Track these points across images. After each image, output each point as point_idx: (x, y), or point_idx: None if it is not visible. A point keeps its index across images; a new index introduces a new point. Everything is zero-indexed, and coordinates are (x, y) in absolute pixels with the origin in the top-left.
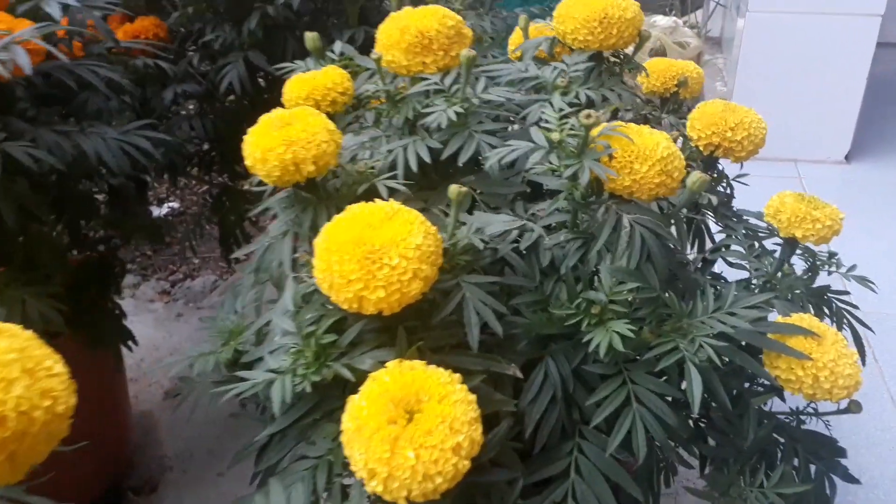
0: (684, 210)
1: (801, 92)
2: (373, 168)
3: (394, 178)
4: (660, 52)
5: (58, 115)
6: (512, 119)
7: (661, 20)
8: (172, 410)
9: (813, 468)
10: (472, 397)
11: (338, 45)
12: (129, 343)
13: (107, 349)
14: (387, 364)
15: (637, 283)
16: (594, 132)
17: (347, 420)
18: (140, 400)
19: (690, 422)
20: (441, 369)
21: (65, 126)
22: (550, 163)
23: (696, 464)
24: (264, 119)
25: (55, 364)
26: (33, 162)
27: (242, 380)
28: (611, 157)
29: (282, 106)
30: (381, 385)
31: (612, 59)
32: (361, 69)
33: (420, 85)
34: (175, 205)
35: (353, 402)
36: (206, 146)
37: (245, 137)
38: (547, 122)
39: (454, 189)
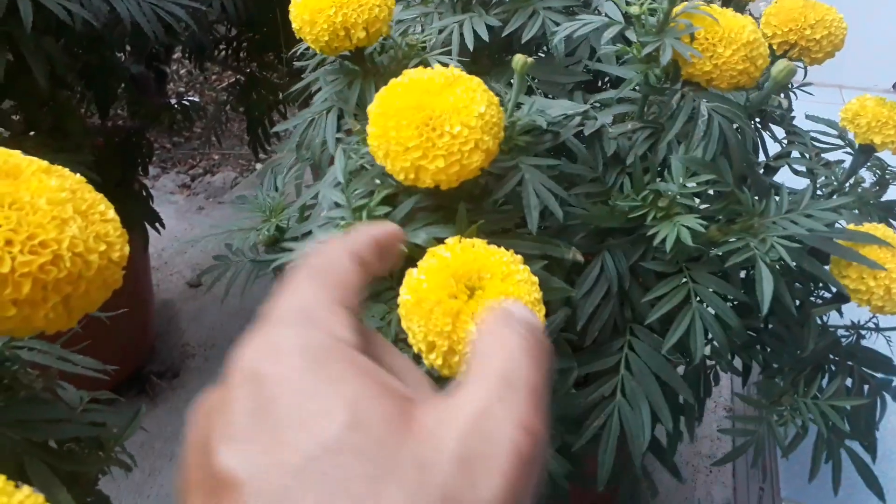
0: (762, 105)
1: (851, 16)
2: (424, 43)
3: (447, 55)
4: None
5: None
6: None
7: None
8: (207, 290)
9: (866, 386)
10: (535, 279)
11: None
12: (156, 227)
13: (133, 230)
14: (446, 240)
15: (711, 175)
16: (676, 8)
17: (406, 292)
18: (161, 289)
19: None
20: (503, 249)
21: None
22: (626, 42)
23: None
24: None
25: (108, 209)
26: (67, 16)
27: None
28: (692, 37)
29: None
30: (442, 260)
31: None
32: None
33: None
34: (195, 99)
35: (412, 275)
36: (233, 31)
37: (293, 0)
38: None
39: (519, 58)
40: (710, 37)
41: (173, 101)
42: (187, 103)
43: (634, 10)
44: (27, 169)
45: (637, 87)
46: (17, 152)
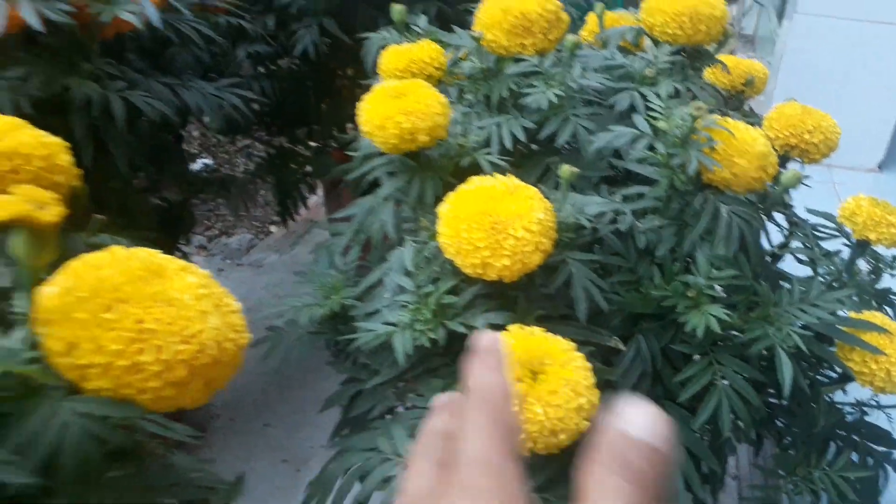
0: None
1: (840, 97)
2: (469, 143)
3: (489, 153)
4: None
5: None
6: (598, 104)
7: None
8: (262, 358)
9: (870, 458)
10: (589, 365)
11: (422, 20)
12: None
13: None
14: (507, 327)
15: (734, 270)
16: (698, 124)
17: None
18: None
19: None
20: (559, 337)
21: (166, 78)
22: (655, 151)
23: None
24: (379, 89)
25: (232, 301)
26: (153, 111)
27: (338, 329)
28: (712, 148)
29: (346, 74)
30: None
31: (694, 53)
32: (443, 44)
33: (517, 66)
34: (208, 161)
35: None
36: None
37: (361, 105)
38: (651, 111)
39: (566, 169)
40: (728, 148)
41: (197, 167)
42: (202, 169)
43: (662, 125)
44: (169, 267)
45: (666, 189)
46: (158, 252)
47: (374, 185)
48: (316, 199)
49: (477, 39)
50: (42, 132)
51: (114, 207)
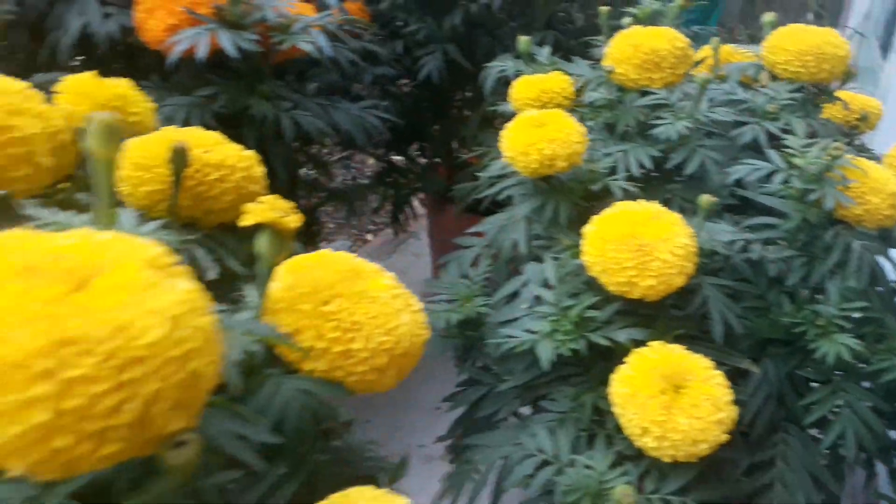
0: None
1: None
2: (598, 168)
3: (616, 179)
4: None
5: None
6: (722, 136)
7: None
8: None
9: None
10: (728, 382)
11: (544, 51)
12: None
13: None
14: (646, 342)
15: (865, 303)
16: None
17: (620, 385)
18: None
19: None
20: (700, 355)
21: (318, 98)
22: (790, 185)
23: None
24: (521, 118)
25: (416, 301)
26: (315, 129)
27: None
28: (846, 186)
29: (458, 98)
30: (649, 361)
31: (812, 89)
32: (567, 74)
33: (647, 98)
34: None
35: (625, 371)
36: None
37: (504, 133)
38: (790, 147)
39: (705, 198)
40: (861, 186)
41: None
42: (345, 188)
43: (799, 161)
44: (365, 269)
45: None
46: (352, 256)
47: (498, 203)
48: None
49: (607, 73)
50: (239, 146)
51: None
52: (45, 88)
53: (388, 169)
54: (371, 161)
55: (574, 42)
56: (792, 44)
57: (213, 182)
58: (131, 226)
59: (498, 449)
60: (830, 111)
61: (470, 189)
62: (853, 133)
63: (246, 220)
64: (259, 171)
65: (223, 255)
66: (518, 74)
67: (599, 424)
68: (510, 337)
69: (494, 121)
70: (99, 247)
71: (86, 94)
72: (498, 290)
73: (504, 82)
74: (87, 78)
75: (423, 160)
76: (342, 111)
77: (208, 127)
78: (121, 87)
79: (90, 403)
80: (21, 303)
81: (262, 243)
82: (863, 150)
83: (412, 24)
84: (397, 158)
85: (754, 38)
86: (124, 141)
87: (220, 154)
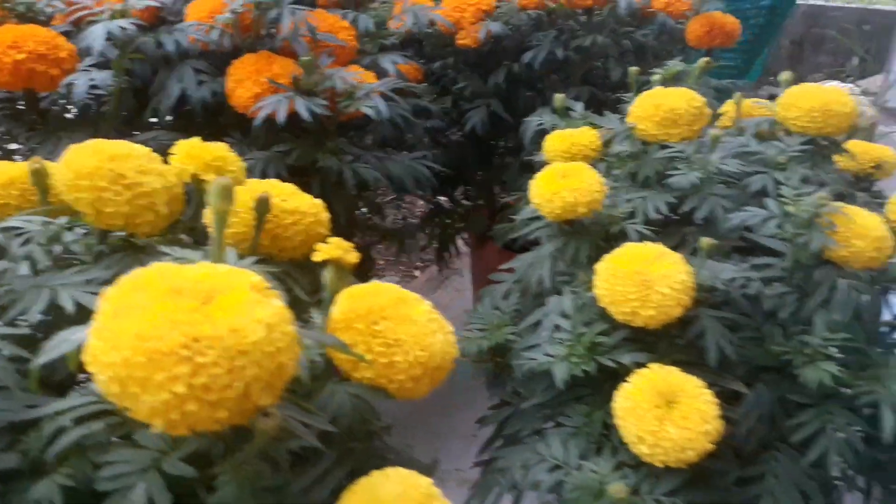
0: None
1: None
2: (619, 213)
3: (635, 223)
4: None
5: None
6: (734, 185)
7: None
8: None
9: None
10: (716, 400)
11: (578, 106)
12: None
13: None
14: (648, 364)
15: (848, 334)
16: (822, 210)
17: (622, 400)
18: None
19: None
20: (693, 376)
21: (377, 152)
22: (783, 230)
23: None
24: (549, 169)
25: (448, 325)
26: (373, 179)
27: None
28: (833, 231)
29: (500, 147)
30: (648, 380)
31: (823, 142)
32: (597, 127)
33: (665, 151)
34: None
35: (627, 388)
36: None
37: (533, 182)
38: (781, 195)
39: (706, 241)
40: (847, 231)
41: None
42: (400, 226)
43: (791, 209)
44: (410, 297)
45: (792, 262)
46: (398, 286)
47: (532, 242)
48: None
49: (631, 129)
50: (310, 196)
51: None
52: (147, 145)
53: (435, 210)
54: (420, 202)
55: (609, 95)
56: (803, 101)
57: (288, 225)
58: (234, 261)
59: (518, 457)
60: (846, 162)
61: (507, 230)
62: (869, 179)
63: (317, 257)
64: (325, 216)
65: (292, 285)
66: (554, 127)
67: (606, 437)
68: (531, 359)
69: (533, 168)
70: (220, 275)
71: (194, 155)
72: (524, 320)
73: (542, 133)
74: (195, 142)
75: (467, 202)
76: (396, 162)
77: (282, 178)
78: (221, 149)
79: (211, 381)
80: (170, 313)
81: (328, 275)
82: (876, 197)
83: (460, 81)
84: (444, 200)
85: (773, 96)
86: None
87: (294, 202)
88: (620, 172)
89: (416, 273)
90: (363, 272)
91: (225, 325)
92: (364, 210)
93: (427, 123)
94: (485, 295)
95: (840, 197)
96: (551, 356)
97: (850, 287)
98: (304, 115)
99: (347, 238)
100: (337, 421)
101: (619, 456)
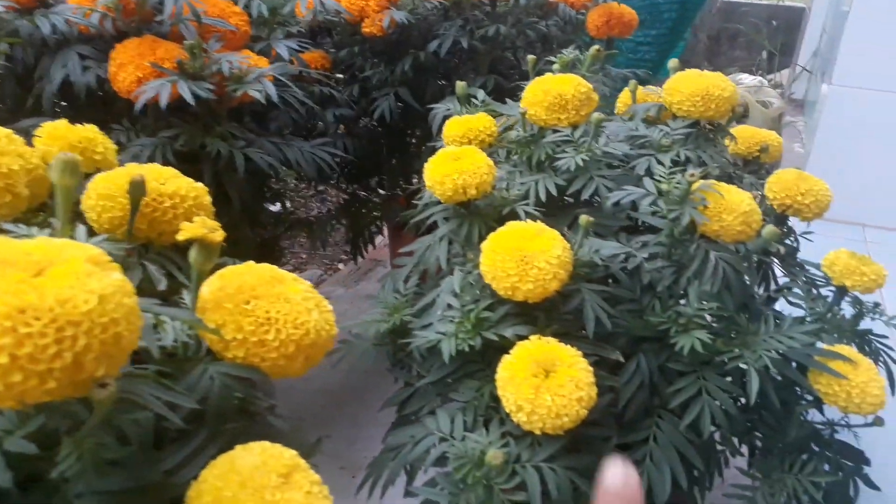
0: (756, 254)
1: (873, 162)
2: (511, 195)
3: (526, 204)
4: (742, 114)
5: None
6: (621, 167)
7: (746, 79)
8: (333, 366)
9: (840, 472)
10: (591, 368)
11: (480, 93)
12: None
13: None
14: (529, 336)
15: (717, 304)
16: (694, 186)
17: (502, 371)
18: None
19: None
20: (569, 346)
21: (273, 137)
22: (658, 207)
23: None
24: (441, 153)
25: (327, 303)
26: (265, 164)
27: (397, 343)
28: (705, 206)
29: (414, 134)
30: (527, 350)
31: (708, 126)
32: (497, 113)
33: (554, 135)
34: (287, 204)
35: (507, 359)
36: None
37: (426, 165)
38: (657, 175)
39: (584, 218)
40: (717, 207)
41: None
42: (279, 212)
43: (664, 187)
44: (286, 277)
45: (666, 237)
46: (276, 267)
47: (432, 227)
48: (380, 240)
49: (522, 114)
50: (191, 179)
51: (227, 240)
52: (30, 132)
53: (351, 200)
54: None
55: (514, 85)
56: (685, 86)
57: (167, 209)
58: (82, 238)
59: (409, 434)
60: (735, 146)
61: (409, 215)
62: (757, 163)
63: (181, 236)
64: (207, 200)
65: (173, 270)
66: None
67: (495, 410)
68: (423, 338)
69: None
70: (54, 247)
71: (59, 137)
72: (420, 301)
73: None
74: (61, 124)
75: (384, 192)
76: (295, 148)
77: (169, 164)
78: (88, 131)
79: (37, 351)
80: None
81: (192, 254)
82: (761, 178)
83: (368, 70)
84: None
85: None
86: (83, 174)
87: (173, 185)
88: (518, 157)
89: (340, 266)
90: (272, 264)
91: (53, 295)
92: (274, 201)
93: (336, 112)
94: (386, 279)
95: (727, 178)
96: (442, 333)
97: (719, 259)
98: (188, 98)
99: (254, 228)
100: (208, 399)
101: (505, 427)
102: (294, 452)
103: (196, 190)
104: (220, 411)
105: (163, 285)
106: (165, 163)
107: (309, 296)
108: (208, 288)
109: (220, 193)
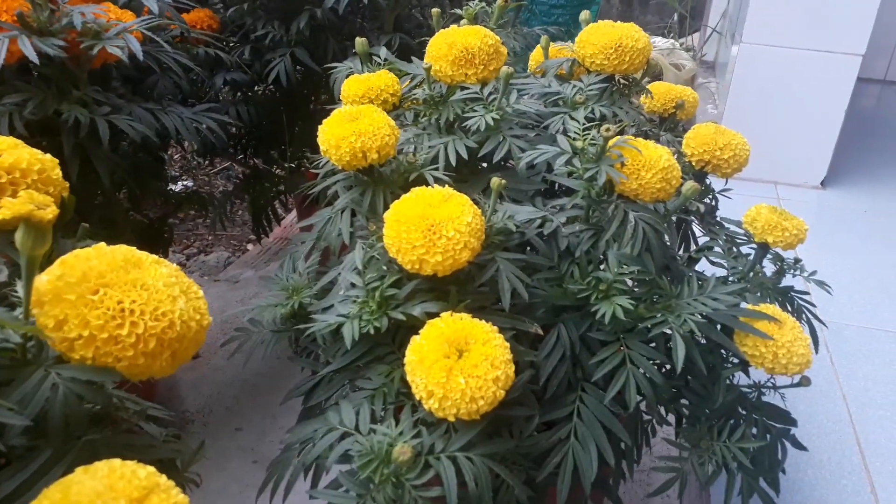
0: (676, 213)
1: (784, 120)
2: (417, 159)
3: (435, 169)
4: (657, 72)
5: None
6: (535, 127)
7: (659, 42)
8: (228, 357)
9: (768, 435)
10: (507, 344)
11: (383, 51)
12: None
13: None
14: (441, 314)
15: (638, 267)
16: (610, 143)
17: (411, 354)
18: None
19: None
20: (483, 322)
21: (148, 104)
22: (573, 166)
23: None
24: (337, 113)
25: (198, 289)
26: (135, 133)
27: (298, 328)
28: (622, 164)
29: (314, 100)
30: (438, 329)
31: (623, 81)
32: (402, 73)
33: (462, 93)
34: (188, 183)
35: (416, 341)
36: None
37: (321, 127)
38: (572, 132)
39: (495, 181)
40: (635, 164)
41: (177, 188)
42: (182, 190)
43: (579, 144)
44: (146, 260)
45: (583, 198)
46: (135, 249)
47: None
48: (291, 217)
49: (427, 70)
50: (36, 150)
51: (98, 219)
52: None
53: (251, 175)
54: None
55: (419, 42)
56: (596, 38)
57: (4, 185)
58: None
59: (310, 429)
60: (651, 102)
61: (308, 187)
62: (674, 119)
63: (0, 214)
64: (57, 174)
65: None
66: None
67: (407, 396)
68: (323, 322)
69: None
70: None
71: None
72: (321, 280)
73: None
74: None
75: (288, 164)
76: (174, 115)
77: (17, 135)
78: None
79: None
80: None
81: (18, 236)
82: (678, 135)
83: (260, 29)
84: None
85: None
86: None
87: (11, 157)
88: (428, 120)
89: (249, 246)
90: (162, 247)
91: None
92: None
93: (228, 76)
94: (285, 258)
95: (644, 135)
96: (344, 316)
97: (639, 220)
98: (32, 56)
99: (136, 207)
100: (49, 411)
101: (418, 414)
102: (152, 470)
103: (41, 162)
104: (68, 424)
105: (3, 275)
106: (13, 134)
107: (172, 281)
108: (47, 276)
109: (92, 169)
